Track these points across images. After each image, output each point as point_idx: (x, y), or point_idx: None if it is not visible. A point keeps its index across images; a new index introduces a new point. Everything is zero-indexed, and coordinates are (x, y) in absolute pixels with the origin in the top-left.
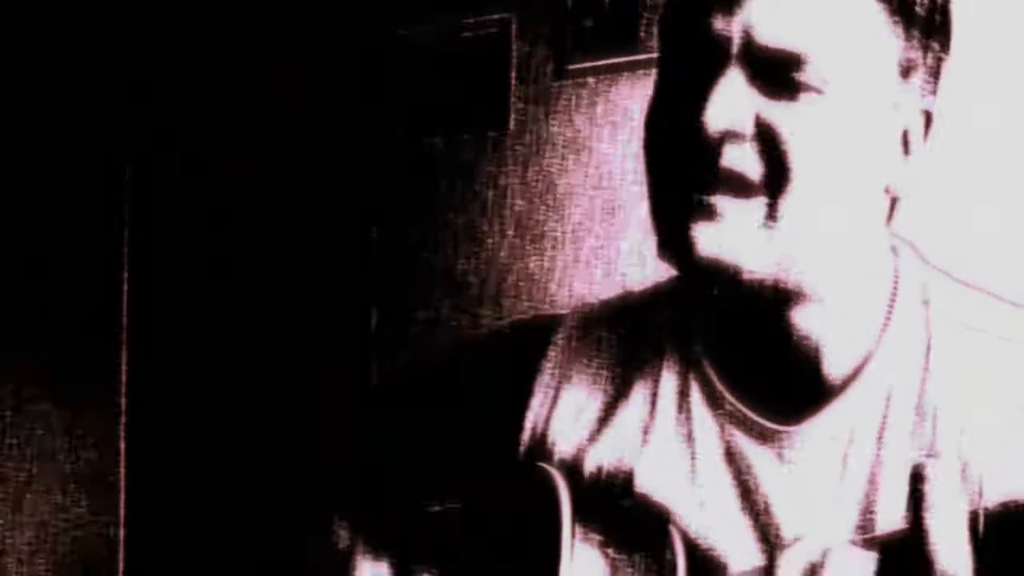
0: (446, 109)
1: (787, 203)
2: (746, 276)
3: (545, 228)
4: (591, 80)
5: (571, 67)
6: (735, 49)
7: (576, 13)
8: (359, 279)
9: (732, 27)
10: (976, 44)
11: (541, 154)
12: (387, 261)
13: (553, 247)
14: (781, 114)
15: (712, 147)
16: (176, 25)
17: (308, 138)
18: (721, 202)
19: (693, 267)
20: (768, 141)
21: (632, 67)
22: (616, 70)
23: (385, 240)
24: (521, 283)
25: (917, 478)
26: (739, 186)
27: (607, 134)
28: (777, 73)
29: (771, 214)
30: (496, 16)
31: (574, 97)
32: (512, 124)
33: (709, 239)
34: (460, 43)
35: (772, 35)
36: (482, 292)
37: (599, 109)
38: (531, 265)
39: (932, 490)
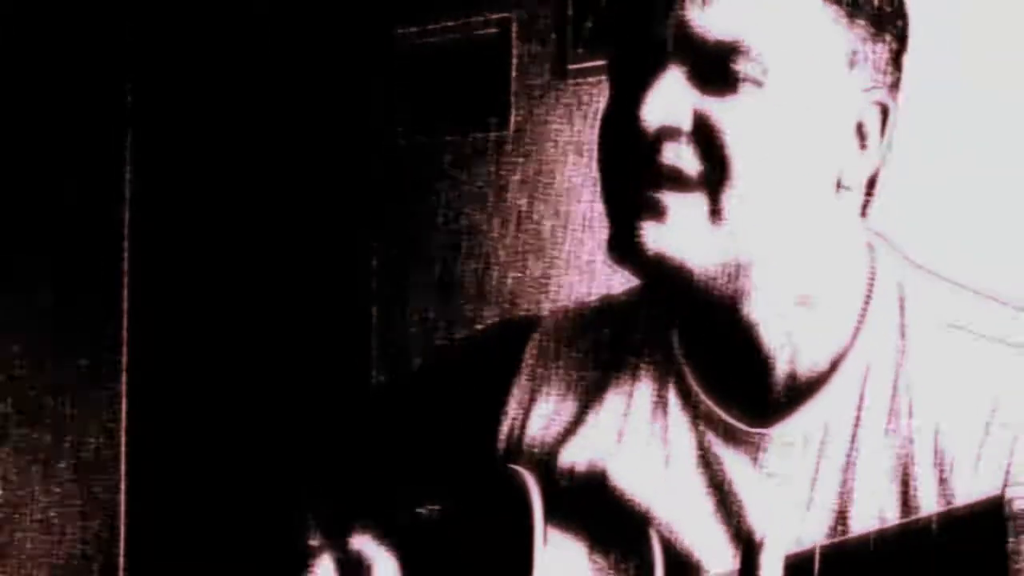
0: (446, 109)
1: (729, 198)
2: (694, 273)
3: (545, 228)
4: (591, 80)
5: (571, 67)
6: (671, 46)
7: (576, 13)
8: (359, 279)
9: (668, 24)
10: (962, 40)
11: (541, 154)
12: (387, 261)
13: (553, 247)
14: (719, 108)
15: (650, 145)
16: (176, 25)
17: (309, 137)
18: (665, 198)
19: (640, 265)
20: (706, 136)
21: None
22: None
23: (385, 240)
24: (521, 283)
25: (751, 545)
26: (679, 182)
27: None
28: (715, 66)
29: (714, 210)
30: (496, 16)
31: (574, 97)
32: (512, 124)
33: (654, 236)
34: (460, 43)
35: (707, 26)
36: (482, 292)
37: (599, 109)
38: (531, 265)
39: (763, 560)
